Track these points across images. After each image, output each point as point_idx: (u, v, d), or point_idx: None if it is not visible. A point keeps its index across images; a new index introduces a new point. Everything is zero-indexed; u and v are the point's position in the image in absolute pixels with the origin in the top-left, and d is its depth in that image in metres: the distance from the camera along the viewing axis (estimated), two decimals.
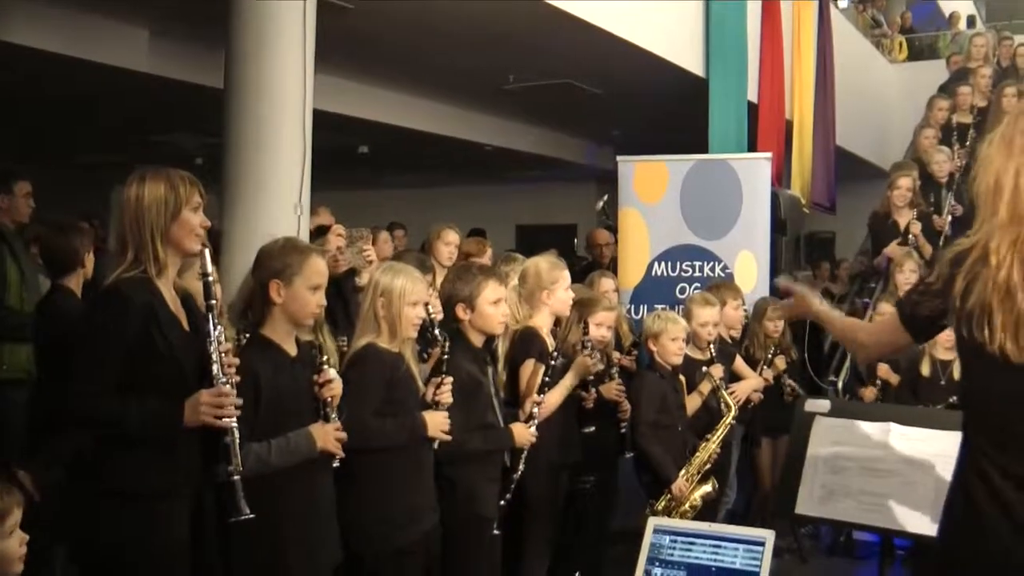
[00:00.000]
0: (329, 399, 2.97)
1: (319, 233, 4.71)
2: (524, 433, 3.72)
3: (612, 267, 7.22)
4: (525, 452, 3.74)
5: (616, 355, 4.71)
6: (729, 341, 5.31)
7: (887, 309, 5.07)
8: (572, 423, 4.18)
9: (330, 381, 2.97)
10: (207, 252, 2.73)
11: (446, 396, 3.38)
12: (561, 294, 4.13)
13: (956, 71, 10.17)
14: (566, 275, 4.18)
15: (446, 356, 3.42)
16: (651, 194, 6.52)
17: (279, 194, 4.84)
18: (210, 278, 2.70)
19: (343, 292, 4.27)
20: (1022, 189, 2.06)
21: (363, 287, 3.80)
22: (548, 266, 4.15)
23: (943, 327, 2.27)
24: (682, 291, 6.29)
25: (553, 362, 3.82)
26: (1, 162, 8.39)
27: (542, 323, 4.11)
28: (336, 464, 2.99)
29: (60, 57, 7.03)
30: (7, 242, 4.85)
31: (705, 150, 7.61)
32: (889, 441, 2.92)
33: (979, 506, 2.06)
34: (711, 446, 4.58)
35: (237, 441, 2.62)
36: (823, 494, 2.94)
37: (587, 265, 7.57)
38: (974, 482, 2.09)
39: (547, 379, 3.80)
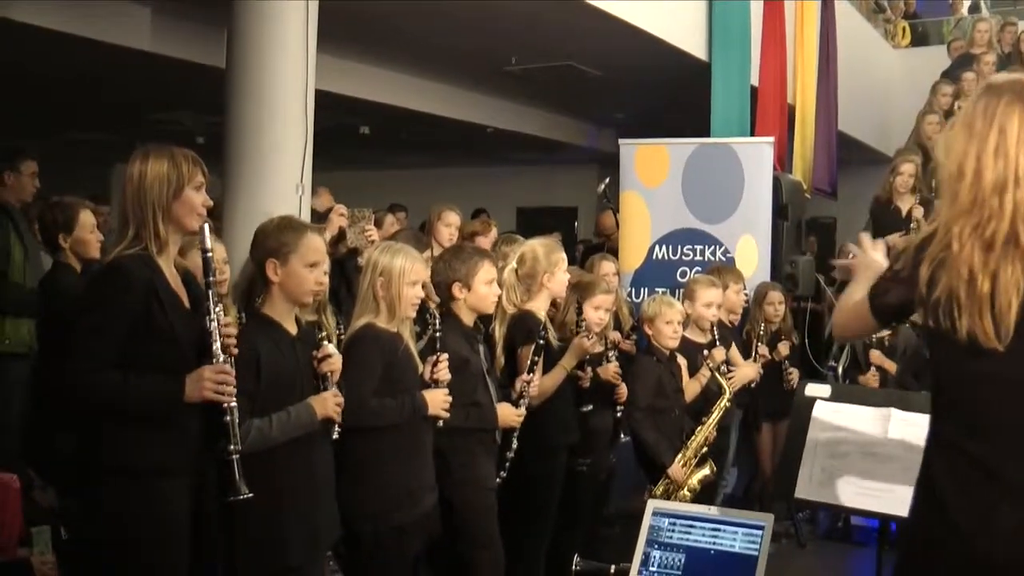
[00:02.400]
0: (328, 373, 2.99)
1: (321, 217, 4.70)
2: (510, 413, 3.73)
3: (594, 248, 7.21)
4: (516, 431, 3.76)
5: (615, 337, 4.73)
6: (729, 326, 5.31)
7: None
8: (570, 404, 4.20)
9: (329, 356, 3.00)
10: (207, 227, 2.73)
11: (443, 373, 3.41)
12: (560, 276, 4.14)
13: (959, 57, 10.12)
14: (564, 257, 4.18)
15: (438, 334, 3.45)
16: (653, 177, 6.50)
17: (281, 174, 4.85)
18: (209, 254, 2.69)
19: (346, 273, 4.27)
20: (983, 173, 2.03)
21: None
22: (547, 249, 4.15)
23: (911, 314, 2.24)
24: (683, 275, 6.27)
25: (541, 341, 3.83)
26: (4, 140, 8.37)
27: (539, 306, 4.11)
28: (335, 436, 3.01)
29: (62, 35, 6.99)
30: (12, 220, 4.86)
31: (707, 134, 7.57)
32: (889, 426, 2.92)
33: (944, 493, 2.05)
34: (706, 429, 4.58)
35: (236, 420, 2.64)
36: (823, 478, 2.93)
37: (589, 248, 7.55)
38: (941, 468, 2.08)
39: (536, 359, 3.81)
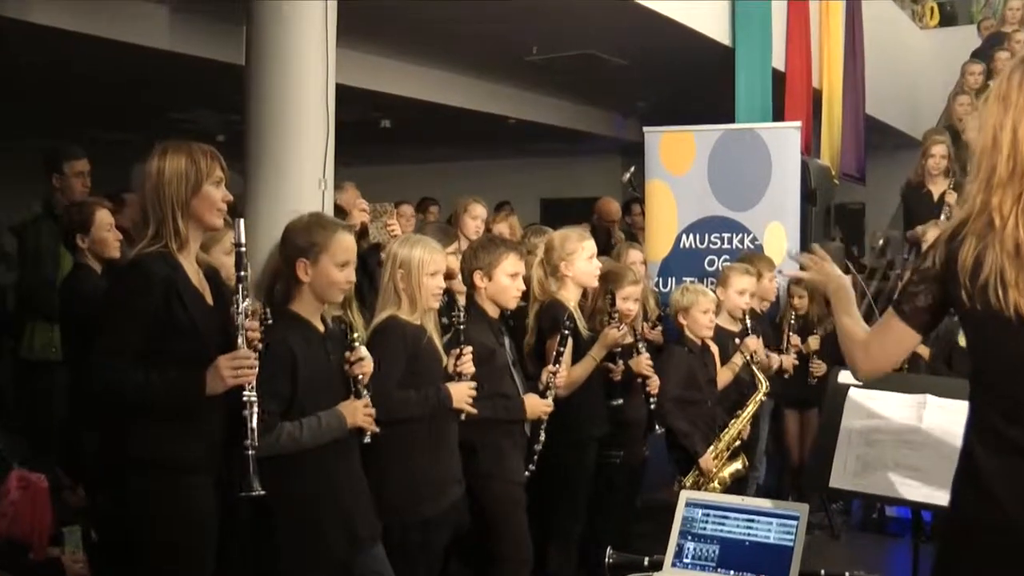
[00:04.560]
0: (360, 376, 3.00)
1: (338, 212, 4.70)
2: (537, 404, 3.73)
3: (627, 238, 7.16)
4: (544, 424, 3.76)
5: (644, 327, 4.71)
6: (760, 313, 5.27)
7: None
8: (600, 396, 4.20)
9: (362, 359, 3.01)
10: (242, 223, 2.73)
11: (467, 366, 3.43)
12: (582, 265, 4.12)
13: (990, 36, 9.98)
14: (587, 246, 4.16)
15: (462, 326, 3.46)
16: (679, 165, 6.44)
17: (303, 170, 4.83)
18: (242, 248, 2.70)
19: (368, 268, 4.28)
20: (1020, 144, 1.99)
21: None
22: (565, 237, 4.16)
23: (944, 314, 2.18)
24: (711, 263, 6.25)
25: (566, 331, 3.82)
26: (40, 140, 8.42)
27: (568, 296, 4.11)
28: (368, 440, 3.02)
29: (80, 36, 7.01)
30: (59, 223, 4.81)
31: (732, 120, 7.53)
32: (925, 413, 2.87)
33: (988, 480, 2.02)
34: (741, 422, 4.56)
35: (255, 415, 2.64)
36: (858, 467, 2.89)
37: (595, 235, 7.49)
38: (983, 454, 2.04)
39: (561, 349, 3.80)
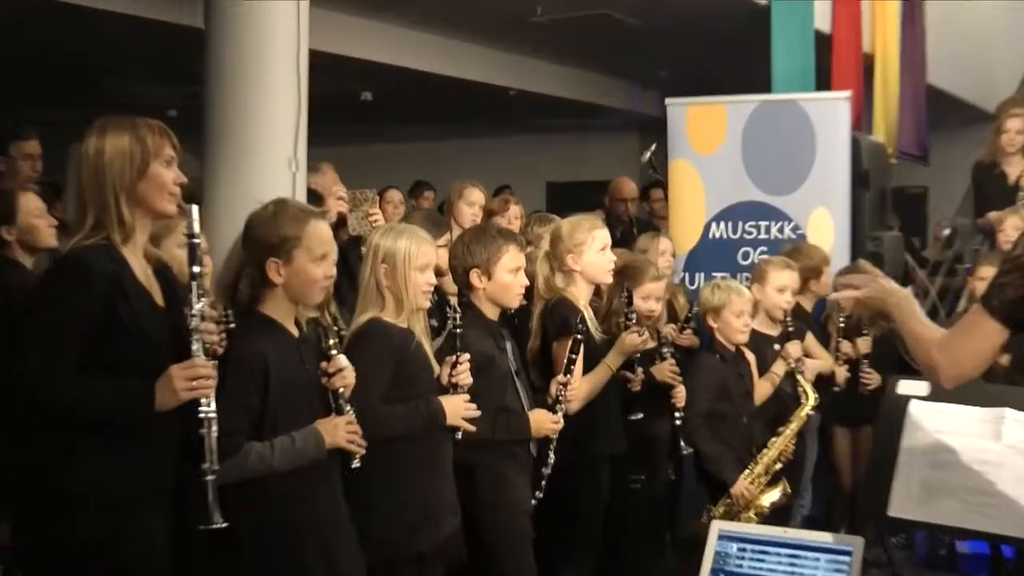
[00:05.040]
0: (340, 389, 2.99)
1: (313, 198, 4.68)
2: (545, 421, 3.72)
3: (639, 227, 7.14)
4: (553, 443, 3.75)
5: (669, 331, 4.71)
6: (807, 312, 5.25)
7: (989, 273, 5.00)
8: (617, 410, 4.18)
9: (341, 369, 2.99)
10: (195, 210, 2.70)
11: (464, 377, 3.42)
12: (593, 257, 4.11)
13: None
14: (598, 235, 4.15)
15: (459, 330, 3.44)
16: (707, 143, 6.41)
17: (270, 149, 4.87)
18: (196, 240, 2.68)
19: (349, 264, 4.26)
20: None
21: None
22: (574, 225, 4.15)
23: None
24: (745, 256, 6.23)
25: (578, 334, 3.79)
26: None
27: (578, 294, 4.10)
28: (356, 464, 3.01)
29: None
30: None
31: (768, 90, 7.51)
32: (1004, 429, 2.84)
33: None
34: (781, 443, 4.54)
35: (213, 433, 2.62)
36: (922, 493, 2.86)
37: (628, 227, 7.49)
38: None
39: (573, 356, 3.78)
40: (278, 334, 2.95)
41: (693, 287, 6.09)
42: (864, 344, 5.54)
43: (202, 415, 2.61)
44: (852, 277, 2.68)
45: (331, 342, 3.01)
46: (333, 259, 3.04)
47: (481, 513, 3.55)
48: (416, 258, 3.33)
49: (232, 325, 3.00)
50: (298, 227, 2.94)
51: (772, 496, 4.46)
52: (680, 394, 4.32)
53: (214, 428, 2.62)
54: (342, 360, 3.01)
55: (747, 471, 4.43)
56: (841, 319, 5.52)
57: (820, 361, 5.15)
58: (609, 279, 4.21)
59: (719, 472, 4.40)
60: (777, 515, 4.49)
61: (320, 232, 2.98)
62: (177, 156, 2.78)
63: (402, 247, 3.32)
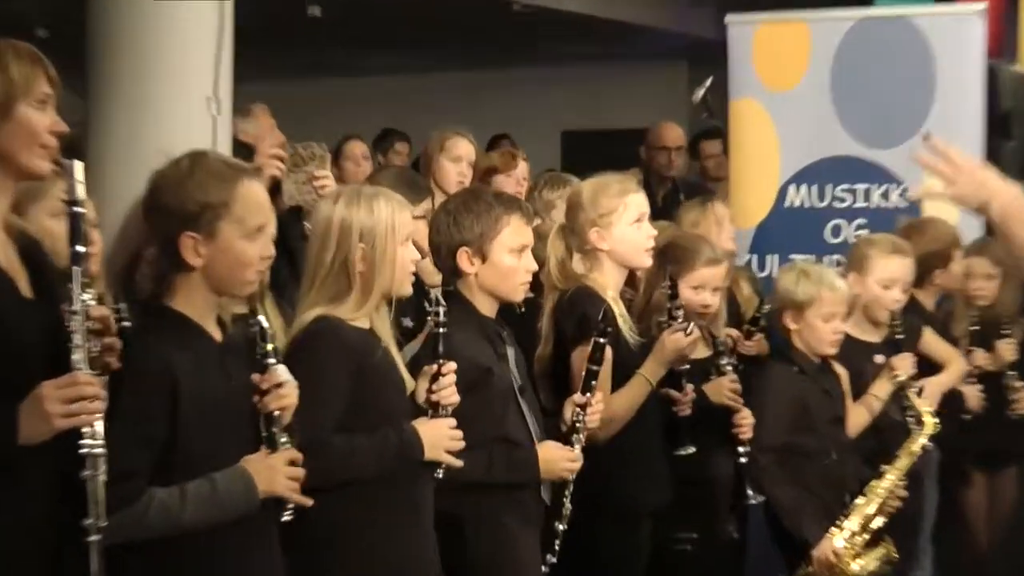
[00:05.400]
0: (278, 413, 2.95)
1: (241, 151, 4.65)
2: (558, 458, 3.74)
3: (687, 191, 7.13)
4: (570, 486, 3.75)
5: (730, 334, 4.69)
6: (929, 312, 5.22)
7: None
8: (658, 442, 4.21)
9: (279, 386, 2.95)
10: (78, 168, 2.66)
11: (449, 394, 3.42)
12: (624, 232, 4.16)
13: None
14: (631, 202, 4.21)
15: (442, 331, 3.42)
16: (783, 76, 6.40)
17: (181, 83, 4.86)
18: (79, 209, 2.65)
19: (287, 243, 4.25)
20: None
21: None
22: (599, 188, 4.19)
23: None
24: (835, 231, 6.28)
25: (602, 338, 3.77)
26: None
27: (605, 282, 4.14)
28: (288, 516, 2.99)
29: None
30: None
31: (868, 2, 7.47)
32: None
33: None
34: (887, 485, 4.51)
35: (101, 477, 2.57)
36: None
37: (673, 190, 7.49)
38: None
39: (595, 368, 3.77)
40: (193, 337, 2.93)
41: (763, 274, 6.13)
42: (1007, 350, 5.45)
43: (85, 451, 2.55)
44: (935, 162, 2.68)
45: (267, 348, 2.97)
46: (271, 233, 2.99)
47: None
48: (401, 228, 3.37)
49: (128, 324, 2.90)
50: (224, 189, 2.91)
51: (872, 562, 4.47)
52: (745, 421, 4.32)
53: (102, 468, 2.56)
54: (281, 372, 2.96)
55: (836, 527, 4.43)
56: (973, 316, 5.43)
57: (944, 376, 5.09)
58: (647, 262, 4.25)
59: (798, 528, 4.44)
60: None
61: (254, 196, 2.96)
62: (55, 94, 2.75)
63: (383, 216, 3.36)
